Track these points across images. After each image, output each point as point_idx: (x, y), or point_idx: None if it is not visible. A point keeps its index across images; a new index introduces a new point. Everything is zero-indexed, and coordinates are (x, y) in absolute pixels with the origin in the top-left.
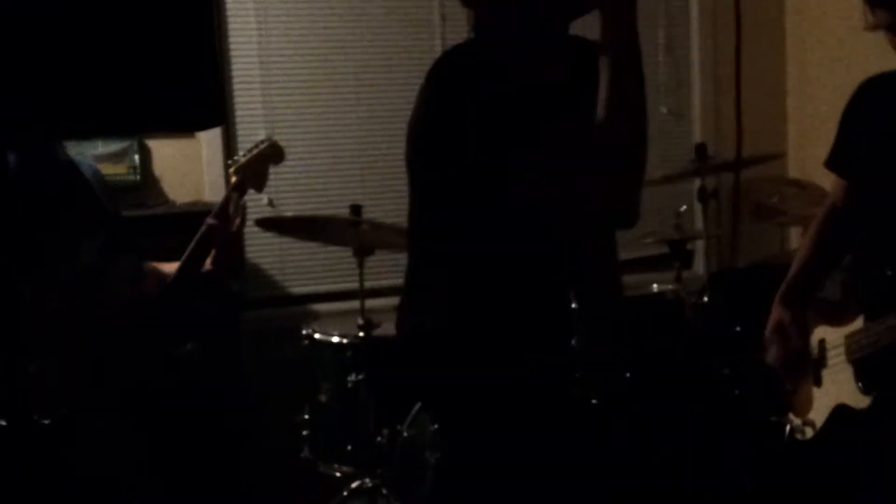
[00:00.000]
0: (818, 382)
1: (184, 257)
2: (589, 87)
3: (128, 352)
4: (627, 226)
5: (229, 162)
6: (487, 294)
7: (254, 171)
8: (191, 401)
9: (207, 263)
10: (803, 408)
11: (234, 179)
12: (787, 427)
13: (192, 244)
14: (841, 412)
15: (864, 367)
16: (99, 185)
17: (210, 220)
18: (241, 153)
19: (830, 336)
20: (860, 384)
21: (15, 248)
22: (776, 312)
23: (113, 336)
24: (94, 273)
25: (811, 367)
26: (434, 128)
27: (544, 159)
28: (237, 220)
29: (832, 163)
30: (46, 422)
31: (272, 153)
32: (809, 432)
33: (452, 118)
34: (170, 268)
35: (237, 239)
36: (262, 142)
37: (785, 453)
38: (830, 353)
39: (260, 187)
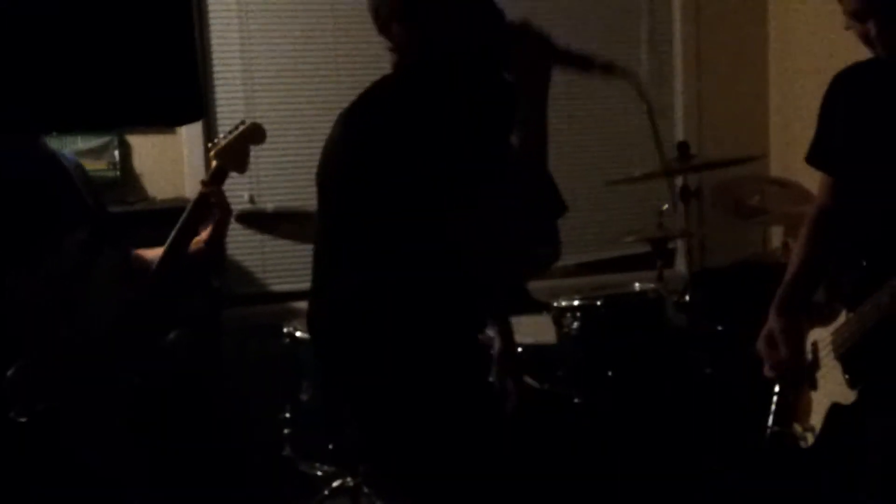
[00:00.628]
0: (814, 386)
1: (175, 231)
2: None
3: (113, 344)
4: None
5: (209, 145)
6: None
7: (234, 152)
8: (176, 392)
9: (195, 243)
10: (803, 414)
11: (214, 163)
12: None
13: (185, 214)
14: (835, 412)
15: (850, 360)
16: (81, 179)
17: (204, 189)
18: (220, 136)
19: (820, 336)
20: (847, 377)
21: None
22: (770, 322)
23: (97, 329)
24: (78, 268)
25: (807, 374)
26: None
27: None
28: (224, 202)
29: (813, 158)
30: (23, 420)
31: (252, 133)
32: (810, 438)
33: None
34: (153, 254)
35: (225, 220)
36: (241, 123)
37: (768, 455)
38: (822, 355)
39: (241, 169)
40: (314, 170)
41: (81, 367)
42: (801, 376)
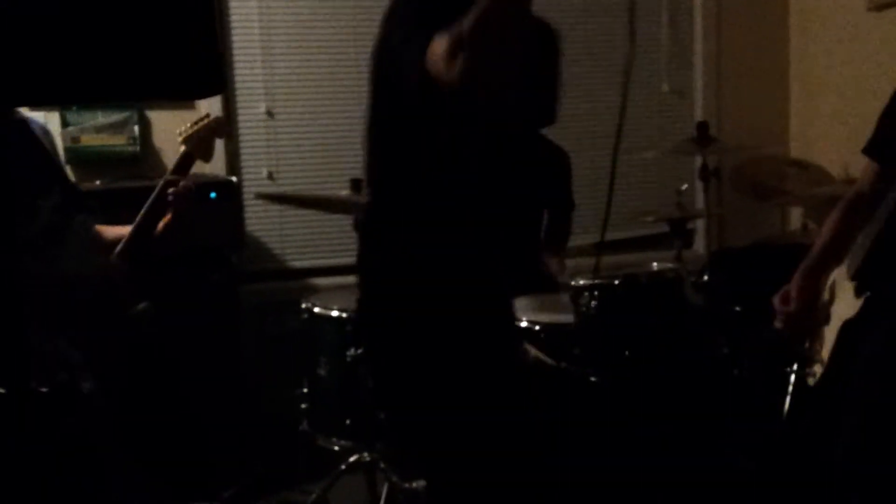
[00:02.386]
0: (827, 321)
1: (139, 215)
2: None
3: (89, 312)
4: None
5: (178, 132)
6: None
7: (202, 141)
8: (144, 363)
9: (160, 227)
10: (816, 353)
11: (182, 149)
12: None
13: (149, 201)
14: (843, 327)
15: (859, 274)
16: (49, 144)
17: (168, 177)
18: (187, 125)
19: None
20: (855, 284)
21: None
22: (793, 284)
23: (75, 296)
24: (54, 232)
25: (820, 324)
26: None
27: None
28: (189, 186)
29: (872, 150)
30: (45, 390)
31: (218, 126)
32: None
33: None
34: (113, 232)
35: (188, 207)
36: (206, 116)
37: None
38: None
39: (207, 158)
40: (333, 144)
41: (69, 338)
42: (813, 328)
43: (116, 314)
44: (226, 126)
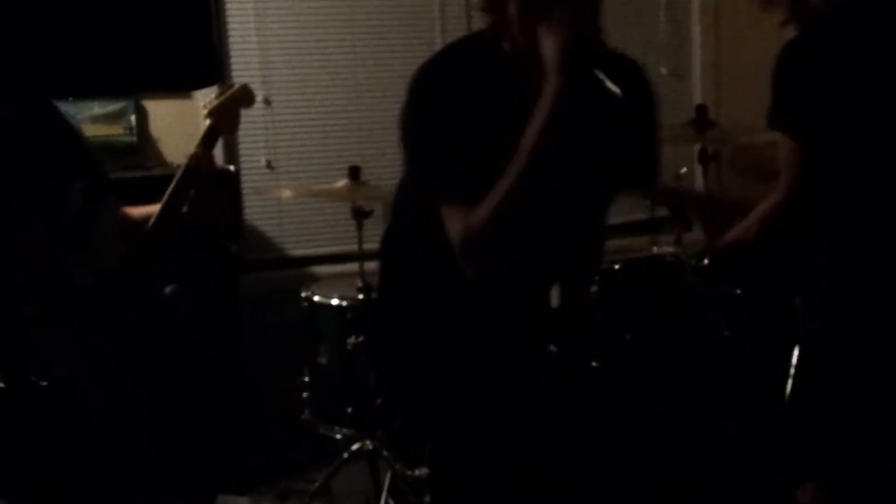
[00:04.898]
0: None
1: (168, 192)
2: None
3: (117, 297)
4: None
5: (203, 105)
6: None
7: (228, 112)
8: (175, 346)
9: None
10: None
11: (207, 122)
12: None
13: (178, 176)
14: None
15: None
16: (77, 127)
17: (197, 150)
18: (213, 96)
19: None
20: None
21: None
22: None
23: (104, 282)
24: (84, 216)
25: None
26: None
27: None
28: (214, 161)
29: (778, 121)
30: (44, 383)
31: (243, 96)
32: None
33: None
34: (140, 212)
35: (208, 186)
36: (231, 84)
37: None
38: None
39: (232, 130)
40: (331, 132)
41: (93, 323)
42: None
43: (146, 299)
44: (252, 95)
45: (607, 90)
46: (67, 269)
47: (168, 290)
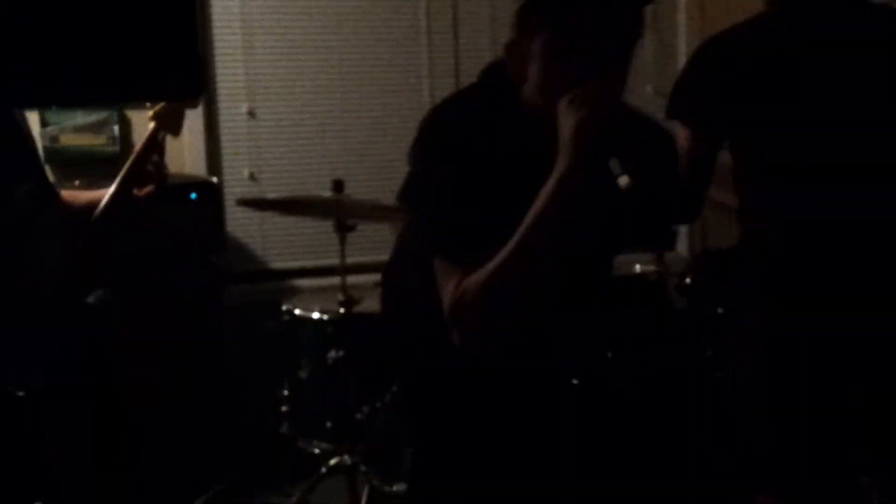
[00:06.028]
0: None
1: (118, 180)
2: None
3: (52, 303)
4: None
5: (147, 106)
6: None
7: (170, 115)
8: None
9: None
10: None
11: (152, 125)
12: None
13: (126, 167)
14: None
15: None
16: (28, 130)
17: (139, 150)
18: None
19: None
20: None
21: None
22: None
23: (42, 287)
24: (26, 219)
25: None
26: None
27: None
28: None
29: (676, 111)
30: (21, 393)
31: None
32: None
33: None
34: (86, 196)
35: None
36: None
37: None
38: None
39: (176, 132)
40: (313, 146)
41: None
42: None
43: (74, 304)
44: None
45: (616, 182)
46: (9, 272)
47: (92, 298)
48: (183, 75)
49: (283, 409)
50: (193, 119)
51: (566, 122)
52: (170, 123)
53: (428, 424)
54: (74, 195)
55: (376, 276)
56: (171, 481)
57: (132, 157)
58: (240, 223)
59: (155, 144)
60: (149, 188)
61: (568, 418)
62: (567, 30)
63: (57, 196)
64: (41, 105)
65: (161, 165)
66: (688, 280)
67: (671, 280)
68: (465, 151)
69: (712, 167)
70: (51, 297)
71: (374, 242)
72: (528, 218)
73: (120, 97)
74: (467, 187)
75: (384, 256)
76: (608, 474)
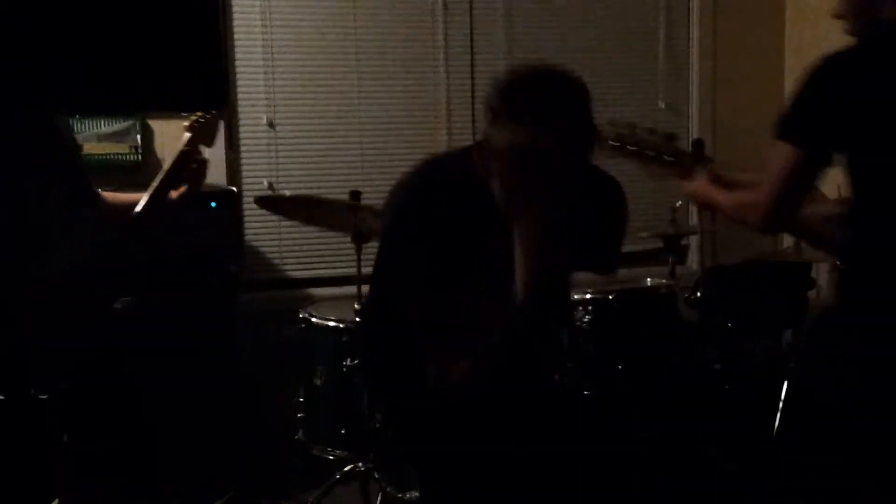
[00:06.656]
0: None
1: (157, 181)
2: None
3: (77, 307)
4: None
5: (185, 119)
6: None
7: (204, 126)
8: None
9: (173, 195)
10: None
11: (186, 135)
12: None
13: (165, 168)
14: None
15: None
16: (69, 135)
17: (183, 148)
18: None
19: None
20: None
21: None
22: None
23: (69, 290)
24: (59, 221)
25: None
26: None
27: None
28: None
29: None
30: (44, 397)
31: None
32: None
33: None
34: (123, 198)
35: (202, 175)
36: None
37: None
38: None
39: (210, 143)
40: (331, 156)
41: (65, 334)
42: None
43: (97, 310)
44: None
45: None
46: (33, 268)
47: (120, 302)
48: (208, 86)
49: (299, 415)
50: None
51: (522, 230)
52: (204, 134)
53: (417, 452)
54: (116, 196)
55: None
56: (187, 486)
57: (170, 165)
58: (258, 232)
59: (191, 154)
60: (183, 189)
61: (561, 430)
62: (527, 133)
63: (97, 197)
64: (70, 113)
65: (203, 165)
66: (698, 294)
67: (681, 294)
68: (430, 229)
69: (811, 189)
70: (75, 290)
71: None
72: (491, 338)
73: (143, 106)
74: (432, 261)
75: None
76: (613, 485)
